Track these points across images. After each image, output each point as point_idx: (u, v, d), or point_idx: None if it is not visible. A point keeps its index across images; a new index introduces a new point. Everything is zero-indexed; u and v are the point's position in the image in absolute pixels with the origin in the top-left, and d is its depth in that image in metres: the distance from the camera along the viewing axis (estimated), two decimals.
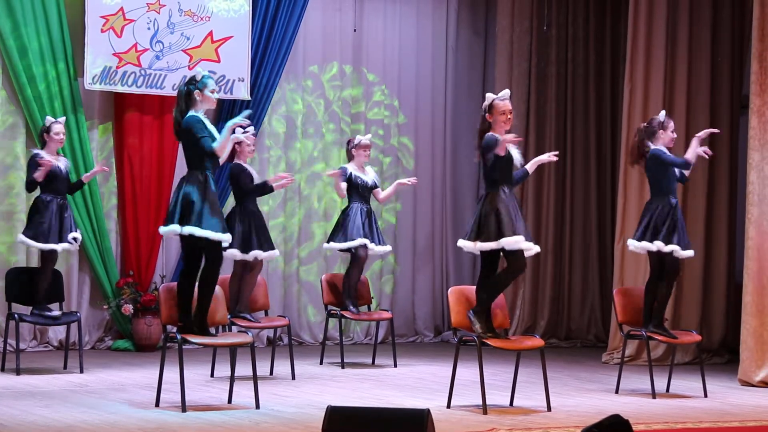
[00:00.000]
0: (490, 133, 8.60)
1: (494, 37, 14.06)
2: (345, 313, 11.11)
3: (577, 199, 13.95)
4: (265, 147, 13.11)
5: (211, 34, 12.50)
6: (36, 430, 7.43)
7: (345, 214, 11.32)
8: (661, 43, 12.03)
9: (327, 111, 13.49)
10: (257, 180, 10.82)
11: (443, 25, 14.14)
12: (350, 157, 11.43)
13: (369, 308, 11.64)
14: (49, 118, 10.81)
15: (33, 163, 10.41)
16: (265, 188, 10.82)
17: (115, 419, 7.88)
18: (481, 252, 8.63)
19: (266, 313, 11.00)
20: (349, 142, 11.60)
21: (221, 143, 8.40)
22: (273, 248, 10.73)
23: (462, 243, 8.70)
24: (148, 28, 12.25)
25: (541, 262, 13.86)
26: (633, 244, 9.72)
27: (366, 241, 11.16)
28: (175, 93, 12.17)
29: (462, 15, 14.25)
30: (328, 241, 11.41)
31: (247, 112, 8.89)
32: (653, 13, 12.06)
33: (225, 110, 12.75)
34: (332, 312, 11.21)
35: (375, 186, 11.43)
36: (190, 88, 8.49)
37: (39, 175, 10.33)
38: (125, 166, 12.36)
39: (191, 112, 8.47)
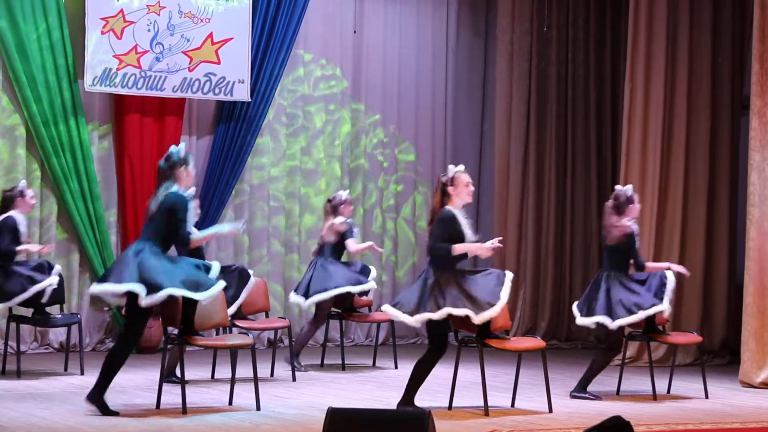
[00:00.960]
0: (450, 213, 8.35)
1: (494, 38, 14.05)
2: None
3: (578, 200, 13.94)
4: (266, 150, 13.10)
5: (211, 35, 12.50)
6: None
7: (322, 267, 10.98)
8: (662, 44, 12.02)
9: (325, 113, 13.47)
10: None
11: (443, 26, 14.13)
12: (335, 213, 11.01)
13: (369, 310, 11.63)
14: (23, 182, 10.56)
15: (9, 230, 10.11)
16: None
17: (116, 421, 7.87)
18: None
19: (267, 315, 11.00)
20: (331, 200, 11.14)
21: (200, 239, 8.30)
22: None
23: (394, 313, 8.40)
24: (149, 30, 12.25)
25: (541, 263, 13.87)
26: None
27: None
28: (175, 95, 12.28)
29: (462, 16, 14.25)
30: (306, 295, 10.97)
31: (241, 226, 8.72)
32: (654, 14, 12.05)
33: (225, 112, 12.75)
34: (332, 313, 11.19)
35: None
36: (176, 164, 8.22)
37: (21, 251, 10.18)
38: (125, 168, 12.34)
39: (178, 190, 8.21)
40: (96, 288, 8.25)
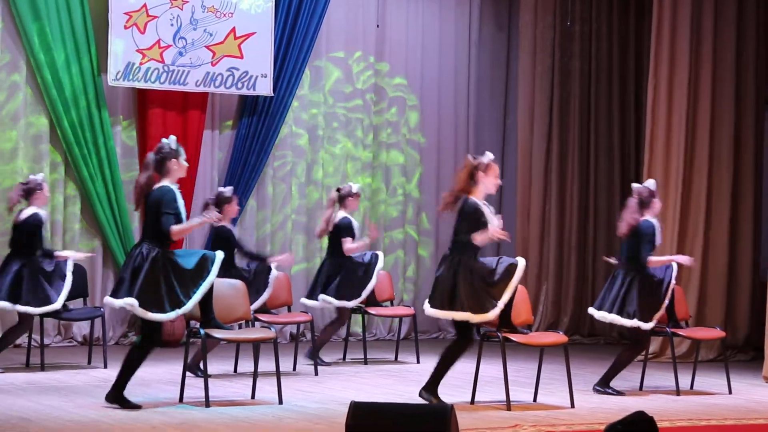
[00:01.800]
0: (474, 205, 8.29)
1: (517, 32, 14.03)
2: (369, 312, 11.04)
3: (601, 195, 13.90)
4: (288, 145, 13.11)
5: (234, 30, 12.51)
6: (60, 425, 7.45)
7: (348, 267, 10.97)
8: (686, 38, 11.97)
9: (347, 108, 13.47)
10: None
11: (466, 21, 14.11)
12: (341, 205, 10.95)
13: (391, 304, 11.63)
14: (41, 175, 10.46)
15: (38, 227, 10.08)
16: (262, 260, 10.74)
17: (139, 414, 7.89)
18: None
19: (289, 309, 11.01)
20: (339, 189, 11.07)
21: (181, 230, 8.18)
22: None
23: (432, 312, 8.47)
24: (171, 25, 12.27)
25: (564, 258, 13.84)
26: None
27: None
28: (198, 89, 12.31)
29: (485, 10, 14.22)
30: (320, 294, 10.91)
31: (216, 215, 8.73)
32: (677, 8, 12.00)
33: (248, 106, 12.76)
34: (355, 308, 11.19)
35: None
36: (165, 156, 8.18)
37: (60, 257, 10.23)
38: None
39: (165, 183, 8.17)
40: (107, 300, 8.27)
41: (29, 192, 10.18)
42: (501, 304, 8.27)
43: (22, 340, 10.91)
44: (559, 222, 13.84)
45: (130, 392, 8.41)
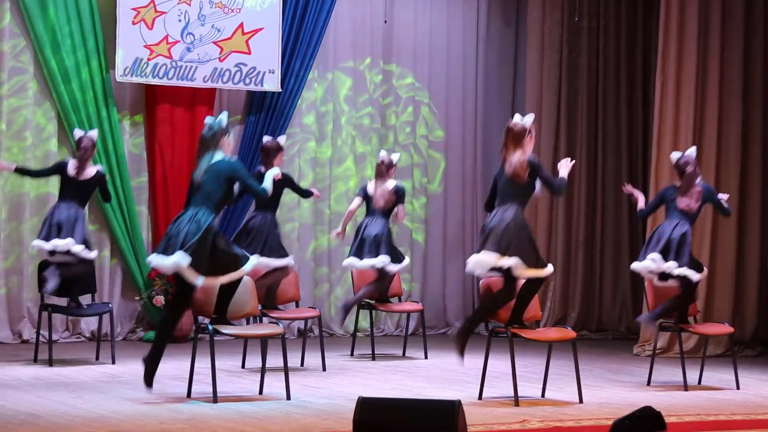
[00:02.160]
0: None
1: (525, 28, 14.02)
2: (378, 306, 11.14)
3: (609, 191, 13.90)
4: (296, 141, 13.12)
5: (241, 26, 12.52)
6: (68, 421, 7.47)
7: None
8: (693, 34, 11.96)
9: (356, 103, 13.48)
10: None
11: (474, 16, 14.10)
12: (388, 174, 11.16)
13: (399, 299, 11.64)
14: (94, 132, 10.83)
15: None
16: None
17: (147, 410, 7.91)
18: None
19: (297, 305, 11.02)
20: (383, 162, 11.22)
21: (270, 188, 8.62)
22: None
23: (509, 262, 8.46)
24: (179, 20, 12.28)
25: (572, 254, 13.84)
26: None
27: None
28: (206, 85, 12.31)
29: (493, 6, 14.21)
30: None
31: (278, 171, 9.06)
32: (685, 5, 11.99)
33: (256, 102, 12.77)
34: (363, 304, 11.20)
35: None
36: (219, 133, 8.37)
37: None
38: (156, 158, 12.39)
39: (229, 157, 8.43)
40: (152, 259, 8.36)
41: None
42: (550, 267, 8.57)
43: (30, 335, 10.92)
44: (567, 218, 13.83)
45: (138, 387, 8.44)
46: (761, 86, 12.26)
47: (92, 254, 10.42)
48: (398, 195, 11.08)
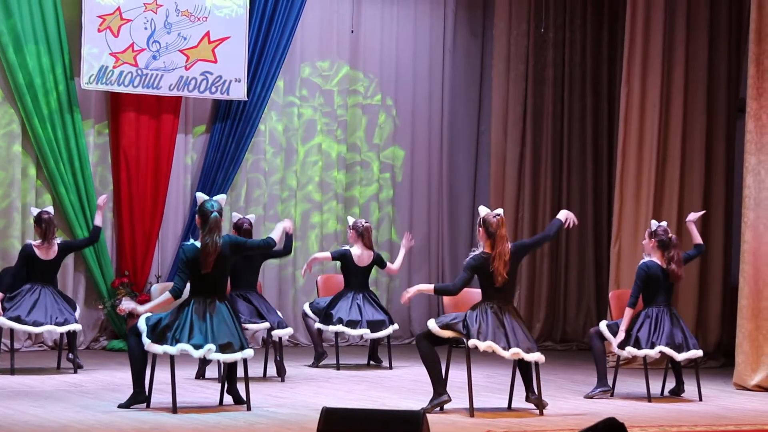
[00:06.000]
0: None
1: (491, 39, 14.05)
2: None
3: (574, 202, 13.93)
4: (262, 150, 13.10)
5: (208, 34, 12.49)
6: (30, 430, 7.41)
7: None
8: (658, 46, 12.02)
9: (322, 113, 13.47)
10: None
11: (441, 27, 14.13)
12: (363, 240, 11.15)
13: None
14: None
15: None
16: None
17: (110, 419, 7.86)
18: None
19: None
20: (357, 227, 11.20)
21: (278, 237, 8.66)
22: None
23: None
24: (145, 28, 12.24)
25: (537, 264, 13.87)
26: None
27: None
28: (172, 93, 12.28)
29: (459, 17, 14.25)
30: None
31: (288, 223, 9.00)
32: (650, 17, 12.05)
33: (222, 110, 12.74)
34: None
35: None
36: (217, 216, 8.22)
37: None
38: (121, 165, 12.34)
39: (229, 235, 8.49)
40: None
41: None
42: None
43: None
44: (532, 228, 13.85)
45: (100, 397, 8.38)
46: (725, 97, 12.33)
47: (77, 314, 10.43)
48: (377, 262, 11.25)
